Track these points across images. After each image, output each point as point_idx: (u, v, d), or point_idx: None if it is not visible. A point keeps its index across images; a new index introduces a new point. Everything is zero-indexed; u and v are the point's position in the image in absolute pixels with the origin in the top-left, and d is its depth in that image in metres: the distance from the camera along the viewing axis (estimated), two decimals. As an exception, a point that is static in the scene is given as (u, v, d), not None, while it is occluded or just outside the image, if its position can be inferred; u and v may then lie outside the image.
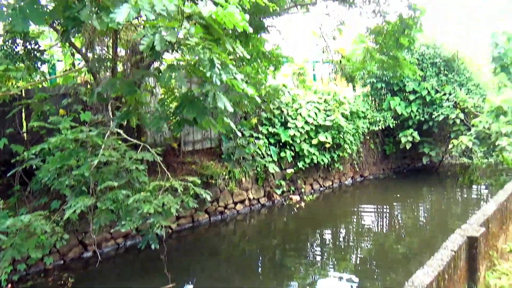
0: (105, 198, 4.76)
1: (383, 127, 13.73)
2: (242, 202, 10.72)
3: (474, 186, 14.92)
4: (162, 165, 5.80)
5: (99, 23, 2.90)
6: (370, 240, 9.45)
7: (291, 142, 11.71)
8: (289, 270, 7.81)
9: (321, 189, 12.84)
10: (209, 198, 5.48)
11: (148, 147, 5.96)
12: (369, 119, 13.64)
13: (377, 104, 14.42)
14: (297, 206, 11.25)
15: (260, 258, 8.63)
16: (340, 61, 9.23)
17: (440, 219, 10.87)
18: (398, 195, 12.80)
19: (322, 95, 13.12)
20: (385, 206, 11.89)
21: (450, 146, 12.88)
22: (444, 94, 13.79)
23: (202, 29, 3.10)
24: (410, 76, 9.44)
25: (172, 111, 5.03)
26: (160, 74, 3.67)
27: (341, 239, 9.60)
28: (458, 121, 13.46)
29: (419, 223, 10.91)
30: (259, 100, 6.20)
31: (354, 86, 9.83)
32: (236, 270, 7.92)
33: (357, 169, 13.80)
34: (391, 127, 14.23)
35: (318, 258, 8.45)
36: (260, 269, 8.15)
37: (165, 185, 5.14)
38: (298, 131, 11.76)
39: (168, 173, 5.55)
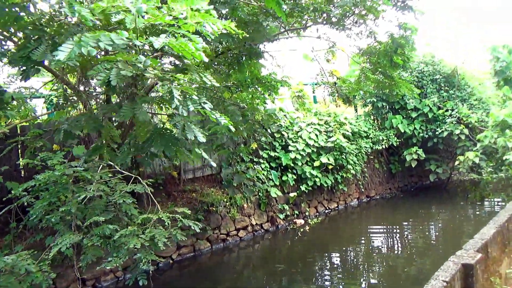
0: (92, 234, 4.67)
1: (387, 146, 13.56)
2: (244, 228, 10.55)
3: (486, 202, 14.57)
4: (152, 196, 5.69)
5: (52, 61, 2.91)
6: (379, 263, 9.18)
7: (292, 165, 11.60)
8: None
9: (326, 211, 12.62)
10: (197, 230, 5.31)
11: (140, 178, 5.87)
12: (371, 138, 13.50)
13: (379, 123, 14.29)
14: (302, 230, 11.03)
15: (266, 285, 8.41)
16: (335, 83, 9.20)
17: (452, 238, 10.55)
18: (407, 215, 12.51)
19: (322, 117, 13.06)
20: (393, 227, 11.61)
21: (457, 162, 12.62)
22: (447, 110, 13.64)
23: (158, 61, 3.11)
24: (408, 94, 9.35)
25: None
26: (121, 109, 3.63)
27: (348, 262, 9.32)
28: (463, 136, 13.24)
29: (430, 243, 10.58)
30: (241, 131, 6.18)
31: (355, 107, 9.72)
32: None
33: (363, 190, 13.57)
34: (395, 145, 14.06)
35: (327, 283, 8.20)
36: None
37: (154, 218, 5.01)
38: (299, 154, 11.66)
39: (158, 205, 5.43)
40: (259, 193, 10.96)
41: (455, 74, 13.92)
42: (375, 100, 13.76)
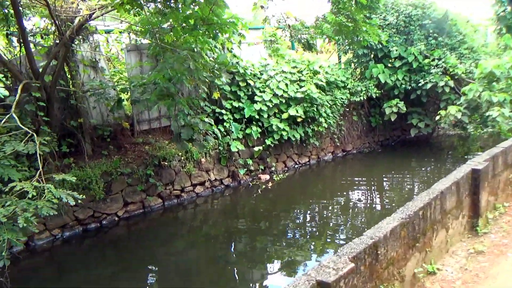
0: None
1: (366, 97, 12.61)
2: (202, 184, 9.97)
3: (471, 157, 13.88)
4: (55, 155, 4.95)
5: None
6: (349, 219, 8.67)
7: (257, 117, 10.78)
8: (258, 253, 7.21)
9: (296, 166, 11.98)
10: (71, 203, 4.59)
11: (35, 135, 5.11)
12: (349, 89, 12.52)
13: (361, 73, 13.24)
14: (266, 185, 10.44)
15: (225, 242, 7.97)
16: (289, 25, 8.10)
17: None
18: (382, 170, 11.87)
19: (296, 65, 12.02)
20: (367, 182, 11.04)
21: (438, 117, 11.73)
22: (433, 60, 12.51)
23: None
24: (374, 40, 8.28)
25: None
26: None
27: (317, 219, 8.79)
28: (447, 89, 12.23)
29: (404, 199, 10.01)
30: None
31: (339, 55, 8.65)
32: (197, 257, 7.27)
33: (338, 144, 12.83)
34: (376, 97, 13.09)
35: (291, 240, 7.69)
36: (224, 253, 7.48)
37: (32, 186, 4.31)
38: (265, 105, 10.79)
39: (41, 171, 4.70)
40: (220, 147, 10.26)
41: (446, 19, 12.61)
42: (355, 46, 12.59)
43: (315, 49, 8.73)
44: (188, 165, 9.70)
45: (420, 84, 12.43)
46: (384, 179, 11.32)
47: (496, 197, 4.47)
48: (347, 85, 12.49)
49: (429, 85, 12.33)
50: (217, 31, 7.41)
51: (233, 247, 7.78)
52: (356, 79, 12.88)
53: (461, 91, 11.76)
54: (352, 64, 13.24)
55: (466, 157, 13.31)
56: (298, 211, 9.30)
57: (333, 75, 12.17)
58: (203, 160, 9.98)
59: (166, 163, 9.36)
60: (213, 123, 8.67)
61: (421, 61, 12.52)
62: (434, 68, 12.36)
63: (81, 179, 7.99)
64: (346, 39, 7.45)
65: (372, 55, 13.18)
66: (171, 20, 7.29)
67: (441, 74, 12.34)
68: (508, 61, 11.22)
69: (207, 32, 7.75)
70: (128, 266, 7.01)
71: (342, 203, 9.63)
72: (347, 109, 13.07)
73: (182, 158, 9.67)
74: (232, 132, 10.34)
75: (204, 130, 8.74)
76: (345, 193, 10.35)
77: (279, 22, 8.39)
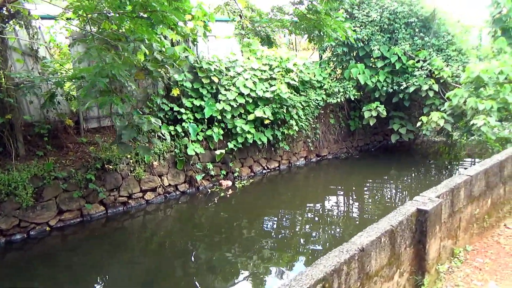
0: None
1: (343, 99, 11.66)
2: (153, 190, 9.03)
3: (454, 164, 13.03)
4: None
5: None
6: (317, 230, 7.93)
7: (220, 118, 9.82)
8: (212, 266, 6.48)
9: (264, 172, 11.05)
10: None
11: None
12: (326, 90, 11.56)
13: (338, 73, 12.28)
14: (226, 193, 9.52)
15: (178, 254, 7.09)
16: (241, 16, 7.13)
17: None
18: (357, 178, 10.98)
19: (268, 62, 11.05)
20: (339, 190, 10.22)
21: (419, 123, 10.81)
22: (418, 61, 11.56)
23: None
24: (342, 36, 7.31)
25: None
26: None
27: (282, 229, 8.01)
28: (431, 93, 11.29)
29: (378, 211, 9.17)
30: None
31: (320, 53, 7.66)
32: (144, 271, 6.36)
33: (312, 148, 11.89)
34: (354, 99, 12.15)
35: (252, 253, 6.90)
36: (171, 268, 6.60)
37: None
38: (229, 104, 9.84)
39: None
40: (175, 149, 9.31)
41: (434, 17, 11.64)
42: (333, 44, 11.62)
43: (275, 44, 7.78)
44: (138, 169, 8.75)
45: (402, 87, 11.48)
46: (359, 188, 10.45)
47: (456, 240, 3.57)
48: (324, 85, 11.53)
49: (412, 88, 11.39)
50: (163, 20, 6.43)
51: (184, 260, 6.94)
52: (334, 79, 11.92)
53: (445, 96, 10.83)
54: (331, 63, 12.26)
55: (449, 167, 12.47)
56: (260, 221, 8.46)
57: (308, 74, 11.20)
58: (155, 163, 9.03)
59: (111, 167, 8.40)
60: (160, 123, 7.70)
61: (405, 62, 11.56)
62: (418, 70, 11.40)
63: (5, 183, 7.06)
64: (307, 34, 6.52)
65: (353, 54, 12.22)
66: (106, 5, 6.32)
67: (426, 77, 11.39)
68: (498, 66, 10.29)
69: (152, 21, 6.79)
70: (60, 284, 6.11)
71: (312, 213, 8.87)
72: (324, 111, 12.13)
73: (131, 161, 8.72)
74: (191, 133, 9.38)
75: (158, 132, 7.79)
76: (315, 202, 9.52)
77: (233, 12, 7.40)
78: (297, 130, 10.74)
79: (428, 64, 11.41)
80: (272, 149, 10.97)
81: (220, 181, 10.00)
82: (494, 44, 17.93)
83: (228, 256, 6.85)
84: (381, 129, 13.48)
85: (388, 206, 9.30)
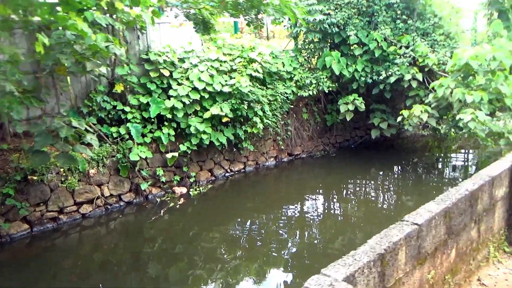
0: None
1: (317, 91, 10.40)
2: (90, 202, 7.86)
3: (442, 161, 11.90)
4: None
5: None
6: (284, 241, 7.00)
7: (170, 116, 8.61)
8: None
9: (226, 175, 9.87)
10: None
11: None
12: (297, 81, 10.31)
13: (314, 63, 11.01)
14: (176, 202, 8.36)
15: (118, 274, 6.12)
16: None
17: (383, 214, 8.04)
18: (333, 179, 9.85)
19: (230, 51, 9.79)
20: (311, 194, 9.15)
21: (399, 118, 9.58)
22: (400, 48, 10.27)
23: None
24: (292, 19, 6.06)
25: None
26: None
27: (244, 240, 7.07)
28: (415, 83, 10.04)
29: (353, 215, 8.14)
30: None
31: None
32: None
33: (283, 147, 10.69)
34: (331, 91, 10.91)
35: (209, 272, 6.12)
36: None
37: None
38: (181, 101, 8.62)
39: None
40: (118, 154, 8.13)
41: (417, -3, 10.31)
42: (303, 30, 10.32)
43: (213, 30, 6.55)
44: (71, 179, 7.57)
45: (382, 77, 10.22)
46: (336, 189, 9.39)
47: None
48: (294, 76, 10.27)
49: (393, 78, 10.13)
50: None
51: (132, 279, 5.96)
52: (307, 69, 10.64)
53: (430, 87, 9.58)
54: (304, 52, 10.97)
55: (435, 165, 11.30)
56: (222, 230, 7.52)
57: (274, 64, 9.94)
58: (92, 171, 7.85)
59: (35, 177, 7.22)
60: (85, 126, 6.50)
61: (386, 48, 10.27)
62: (400, 57, 10.12)
63: None
64: (246, 16, 5.35)
65: (328, 41, 10.93)
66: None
67: (409, 65, 10.12)
68: (490, 51, 9.00)
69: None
70: None
71: (282, 218, 8.03)
72: (296, 106, 10.89)
73: (61, 170, 7.53)
74: (133, 135, 8.18)
75: (86, 136, 6.59)
76: (286, 206, 8.61)
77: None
78: (262, 128, 9.51)
79: (411, 50, 10.13)
80: (235, 149, 9.77)
81: (174, 188, 8.83)
82: (490, 28, 16.55)
83: (185, 271, 6.05)
84: (363, 123, 12.25)
85: (368, 209, 8.26)
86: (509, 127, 14.48)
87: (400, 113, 9.48)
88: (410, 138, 13.17)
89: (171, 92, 8.67)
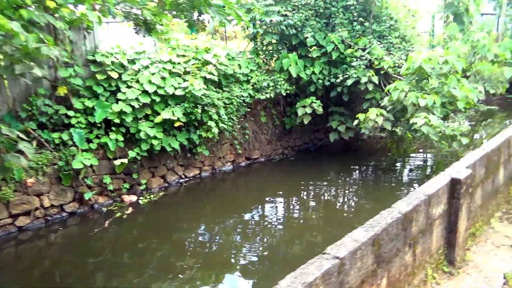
0: None
1: (274, 95, 10.18)
2: (27, 213, 7.30)
3: (401, 162, 11.97)
4: None
5: None
6: (238, 251, 6.71)
7: (119, 121, 8.16)
8: None
9: (181, 181, 9.49)
10: None
11: None
12: (254, 84, 10.06)
13: (270, 64, 10.81)
14: (123, 212, 7.92)
15: None
16: None
17: (337, 221, 7.89)
18: (291, 184, 9.66)
19: (185, 53, 9.42)
20: (268, 200, 8.90)
21: (355, 122, 9.52)
22: (357, 50, 10.22)
23: None
24: (238, 21, 5.82)
25: None
26: None
27: (195, 251, 6.70)
28: (371, 86, 10.01)
29: (312, 218, 7.97)
30: None
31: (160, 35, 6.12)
32: None
33: (240, 151, 10.42)
34: (291, 94, 10.75)
35: (157, 277, 5.88)
36: None
37: None
38: (130, 105, 8.18)
39: None
40: (60, 161, 7.60)
41: (374, 0, 10.29)
42: (260, 31, 10.10)
43: (155, 31, 6.21)
44: (5, 189, 6.99)
45: (338, 80, 10.14)
46: (294, 193, 9.23)
47: None
48: (251, 79, 10.02)
49: (350, 81, 10.07)
50: None
51: None
52: (264, 71, 10.42)
53: (385, 90, 9.57)
54: (262, 54, 10.74)
55: (392, 167, 11.34)
56: (174, 239, 7.19)
57: (231, 66, 9.65)
58: (30, 181, 7.28)
59: (-38, 189, 6.62)
60: (16, 133, 5.99)
61: (343, 51, 10.19)
62: (357, 60, 10.07)
63: None
64: (185, 17, 5.05)
65: (287, 43, 10.75)
66: None
67: (365, 68, 10.09)
68: (442, 54, 9.08)
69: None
70: None
71: (239, 224, 7.74)
72: (254, 108, 10.65)
73: (-6, 179, 6.95)
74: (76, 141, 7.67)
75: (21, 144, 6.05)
76: (243, 211, 8.38)
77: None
78: (218, 132, 9.20)
79: (367, 53, 10.11)
80: (190, 154, 9.41)
81: (122, 197, 8.38)
82: (446, 31, 16.93)
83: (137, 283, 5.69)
84: (322, 126, 12.16)
85: (327, 213, 8.14)
86: (461, 129, 14.84)
87: (356, 116, 9.41)
88: (370, 140, 13.21)
89: (119, 96, 8.22)
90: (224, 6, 5.06)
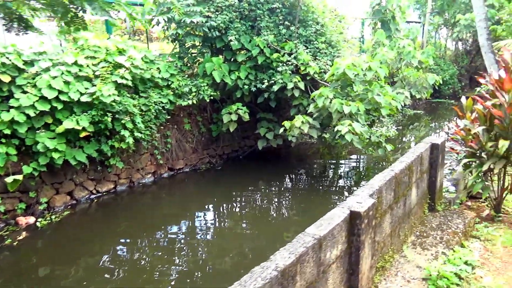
0: None
1: (196, 101, 9.54)
2: None
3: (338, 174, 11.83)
4: None
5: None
6: (155, 263, 6.05)
7: (9, 132, 7.08)
8: None
9: (92, 197, 8.54)
10: None
11: None
12: (175, 89, 9.36)
13: (194, 68, 10.17)
14: (18, 237, 6.87)
15: None
16: None
17: (269, 229, 7.38)
18: (218, 195, 9.07)
19: (94, 54, 8.50)
20: (192, 211, 8.23)
21: (281, 129, 9.16)
22: (283, 55, 9.89)
23: None
24: (131, 20, 5.19)
25: None
26: None
27: (102, 270, 5.86)
28: (297, 92, 9.72)
29: (239, 232, 7.41)
30: None
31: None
32: None
33: (162, 162, 9.66)
34: (214, 100, 10.18)
35: None
36: None
37: None
38: (24, 113, 7.14)
39: None
40: None
41: (298, 3, 10.03)
42: (180, 32, 9.43)
43: (31, 28, 5.39)
44: None
45: (264, 85, 9.74)
46: (220, 206, 8.61)
47: None
48: (171, 84, 9.31)
49: (277, 87, 9.70)
50: None
51: None
52: (186, 76, 9.75)
53: (311, 96, 9.31)
54: (184, 57, 10.06)
55: (325, 172, 11.17)
56: (80, 263, 6.22)
57: (148, 70, 8.88)
58: None
59: None
60: None
61: (269, 55, 9.81)
62: (283, 65, 9.73)
63: None
64: (59, 14, 4.35)
65: (212, 46, 10.17)
66: None
67: (292, 73, 9.78)
68: (366, 61, 8.98)
69: None
70: None
71: (159, 242, 6.92)
72: (177, 115, 9.95)
73: None
74: (-46, 157, 6.52)
75: None
76: (164, 228, 7.61)
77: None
78: (133, 142, 8.38)
79: (294, 58, 9.80)
80: (101, 167, 8.50)
81: (17, 219, 7.30)
82: (374, 37, 17.30)
83: None
84: (252, 133, 11.71)
85: (256, 224, 7.64)
86: (389, 134, 15.12)
87: (282, 123, 9.05)
88: (302, 145, 12.99)
89: (12, 102, 7.14)
90: (112, 2, 4.35)
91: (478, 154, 4.66)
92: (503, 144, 4.19)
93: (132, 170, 9.16)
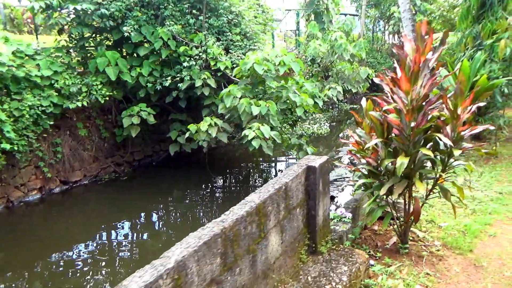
0: None
1: (87, 102, 8.19)
2: None
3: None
4: None
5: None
6: None
7: None
8: None
9: (-48, 223, 7.01)
10: None
11: None
12: (60, 89, 7.96)
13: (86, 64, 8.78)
14: None
15: None
16: None
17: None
18: (125, 210, 7.83)
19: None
20: (87, 235, 6.95)
21: (187, 134, 8.05)
22: (192, 48, 8.75)
23: None
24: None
25: None
26: None
27: None
28: (207, 91, 8.63)
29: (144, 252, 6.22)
30: None
31: None
32: None
33: (50, 175, 8.24)
34: (120, 100, 8.88)
35: None
36: None
37: None
38: None
39: None
40: None
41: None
42: (61, 22, 8.02)
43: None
44: None
45: (167, 84, 8.57)
46: (125, 222, 7.37)
47: None
48: (56, 83, 7.90)
49: (184, 84, 8.56)
50: None
51: None
52: (76, 73, 8.36)
53: (219, 96, 8.25)
54: (74, 51, 8.66)
55: (247, 177, 10.22)
56: None
57: (21, 66, 7.42)
58: None
59: None
60: None
61: (175, 48, 8.63)
62: (191, 59, 8.60)
63: None
64: None
65: (109, 38, 8.83)
66: None
67: (202, 69, 8.67)
68: (277, 55, 8.02)
69: None
70: None
71: (43, 275, 5.63)
72: (70, 119, 8.55)
73: None
74: None
75: None
76: (53, 257, 6.30)
77: None
78: (1, 154, 6.93)
79: (203, 51, 8.69)
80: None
81: None
82: (308, 29, 16.54)
83: None
84: (168, 135, 10.49)
85: (168, 239, 6.51)
86: (321, 131, 14.41)
87: (188, 127, 7.94)
88: (223, 149, 11.93)
89: None
90: None
91: (377, 173, 3.80)
92: (401, 162, 3.31)
93: (8, 188, 7.68)
